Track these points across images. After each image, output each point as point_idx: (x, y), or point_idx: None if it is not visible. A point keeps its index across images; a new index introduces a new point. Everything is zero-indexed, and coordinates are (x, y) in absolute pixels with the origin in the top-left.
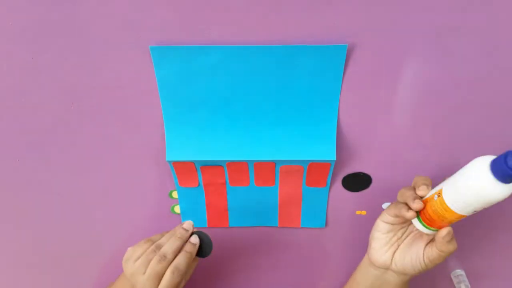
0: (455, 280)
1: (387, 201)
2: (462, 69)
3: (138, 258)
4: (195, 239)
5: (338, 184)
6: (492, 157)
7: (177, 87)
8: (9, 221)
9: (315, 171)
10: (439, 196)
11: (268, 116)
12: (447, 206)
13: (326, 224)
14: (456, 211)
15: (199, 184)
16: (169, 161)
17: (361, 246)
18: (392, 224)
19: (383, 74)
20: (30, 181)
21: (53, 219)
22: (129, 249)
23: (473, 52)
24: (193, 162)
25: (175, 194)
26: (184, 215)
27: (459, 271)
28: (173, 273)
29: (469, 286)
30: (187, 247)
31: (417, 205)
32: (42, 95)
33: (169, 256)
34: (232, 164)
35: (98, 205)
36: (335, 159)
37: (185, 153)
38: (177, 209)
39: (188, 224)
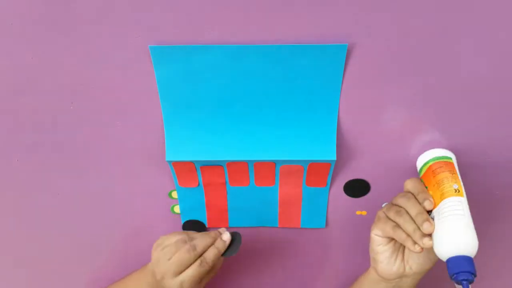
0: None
1: (387, 201)
2: (462, 69)
3: (168, 245)
4: (226, 236)
5: (338, 185)
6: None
7: (176, 87)
8: (9, 221)
9: (315, 171)
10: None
11: (268, 116)
12: None
13: (326, 224)
14: None
15: (199, 184)
16: (169, 161)
17: (361, 246)
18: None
19: (383, 74)
20: (30, 181)
21: (52, 219)
22: (162, 236)
23: (473, 52)
24: (193, 162)
25: (174, 194)
26: (184, 215)
27: None
28: (201, 264)
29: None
30: (217, 243)
31: (427, 244)
32: (41, 95)
33: (199, 249)
34: (232, 164)
35: (97, 205)
36: (335, 159)
37: (185, 153)
38: (177, 209)
39: (223, 229)
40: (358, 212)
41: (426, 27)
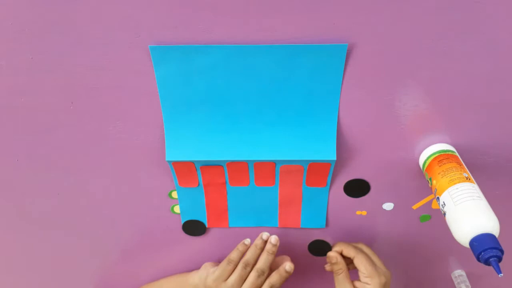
0: (455, 281)
1: (387, 201)
2: (462, 69)
3: (228, 276)
4: (290, 267)
5: (338, 185)
6: (473, 235)
7: (176, 87)
8: (8, 221)
9: (315, 171)
10: None
11: (268, 116)
12: None
13: (326, 224)
14: None
15: (199, 184)
16: (169, 161)
17: None
18: None
19: (383, 74)
20: (30, 181)
21: (52, 219)
22: (214, 270)
23: (473, 52)
24: (193, 162)
25: (174, 194)
26: (184, 215)
27: (460, 272)
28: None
29: (470, 286)
30: (282, 272)
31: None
32: (41, 95)
33: (267, 271)
34: (232, 164)
35: (97, 205)
36: (335, 159)
37: (184, 153)
38: (177, 209)
39: (275, 239)
40: (358, 212)
41: (426, 27)
